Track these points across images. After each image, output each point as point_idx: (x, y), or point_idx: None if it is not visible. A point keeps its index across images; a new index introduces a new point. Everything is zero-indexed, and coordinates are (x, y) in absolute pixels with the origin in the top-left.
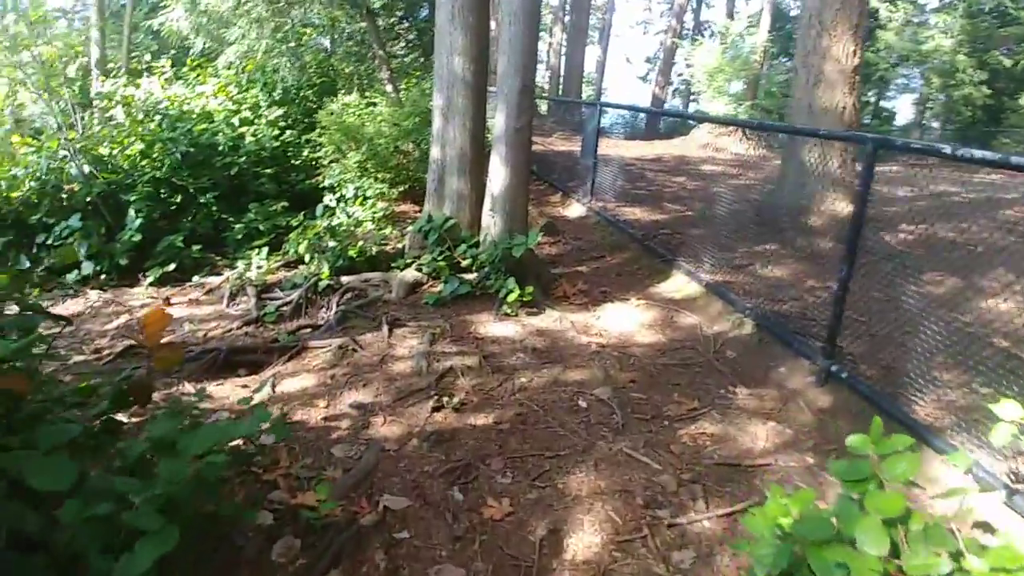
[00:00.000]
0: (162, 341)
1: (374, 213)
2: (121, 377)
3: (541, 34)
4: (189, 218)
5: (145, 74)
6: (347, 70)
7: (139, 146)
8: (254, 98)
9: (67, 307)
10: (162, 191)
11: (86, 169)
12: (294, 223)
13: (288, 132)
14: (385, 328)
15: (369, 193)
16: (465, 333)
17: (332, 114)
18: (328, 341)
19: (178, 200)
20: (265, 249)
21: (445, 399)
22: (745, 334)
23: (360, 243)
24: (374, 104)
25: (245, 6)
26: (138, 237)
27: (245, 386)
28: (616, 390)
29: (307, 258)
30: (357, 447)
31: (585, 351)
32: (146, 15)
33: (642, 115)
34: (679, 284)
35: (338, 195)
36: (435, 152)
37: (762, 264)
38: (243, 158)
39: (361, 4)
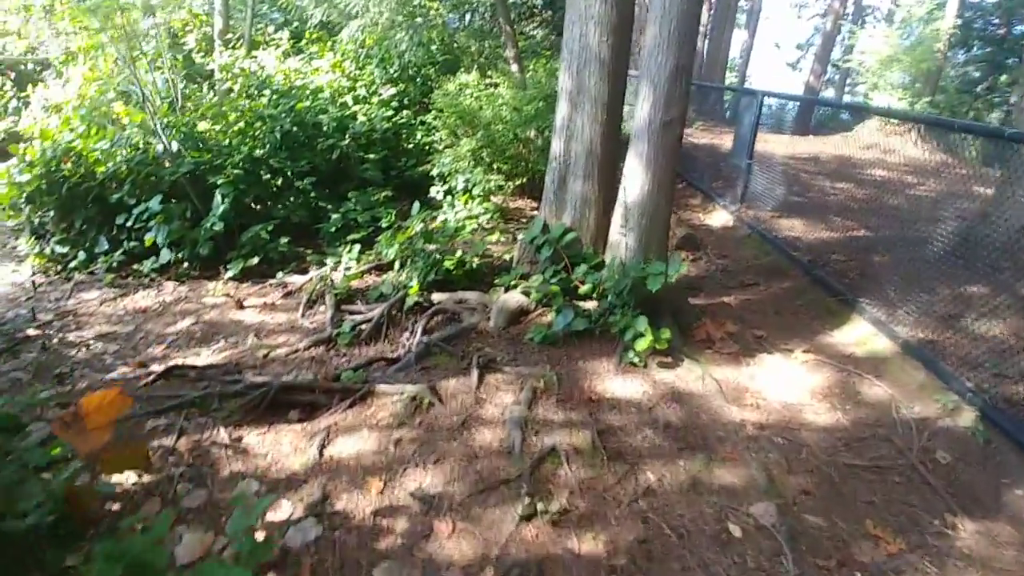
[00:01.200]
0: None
1: (485, 210)
2: (66, 476)
3: None
4: (282, 205)
5: (262, 47)
6: (472, 48)
7: (239, 123)
8: (369, 75)
9: (137, 299)
10: (260, 172)
11: (174, 146)
12: (384, 222)
13: (405, 113)
14: (475, 374)
15: (478, 188)
16: (576, 390)
17: (448, 95)
18: (401, 387)
19: (273, 184)
20: (356, 247)
21: (540, 503)
22: (963, 427)
23: (459, 253)
24: (495, 86)
25: None
26: (220, 225)
27: (292, 438)
28: (783, 508)
29: (396, 265)
30: (409, 572)
31: (737, 433)
32: None
33: (790, 106)
34: (861, 334)
35: (446, 186)
36: (557, 146)
37: (985, 318)
38: (347, 140)
39: None
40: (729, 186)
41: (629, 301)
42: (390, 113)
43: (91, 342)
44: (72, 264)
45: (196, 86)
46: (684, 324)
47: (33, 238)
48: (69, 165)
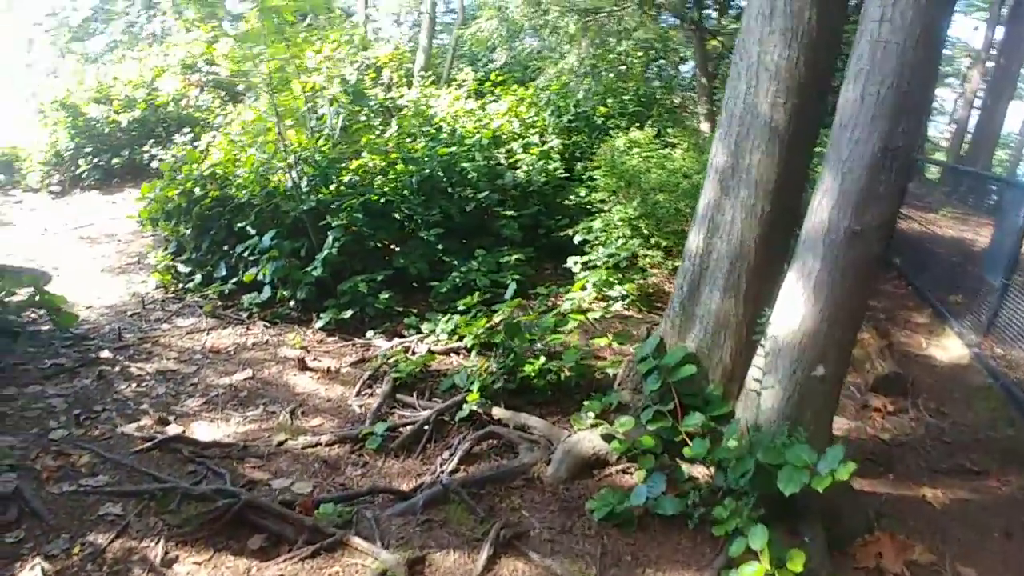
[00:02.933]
0: None
1: (624, 295)
2: None
3: (950, 80)
4: (403, 255)
5: (447, 86)
6: (664, 100)
7: (376, 162)
8: (543, 122)
9: (220, 336)
10: (392, 216)
11: (303, 182)
12: (460, 304)
13: (576, 166)
14: (484, 554)
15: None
16: None
17: (613, 151)
18: (376, 551)
19: (398, 231)
20: (454, 319)
21: None
22: None
23: (541, 360)
24: (671, 146)
25: (544, 16)
26: (320, 269)
27: None
28: None
29: (473, 356)
30: None
31: None
32: (462, 24)
33: None
34: None
35: (585, 259)
36: (694, 240)
37: None
38: (486, 192)
39: (687, 16)
40: (972, 306)
41: (750, 491)
42: (553, 165)
43: (146, 378)
44: (189, 285)
45: (364, 121)
46: (841, 535)
47: (163, 253)
48: (210, 187)
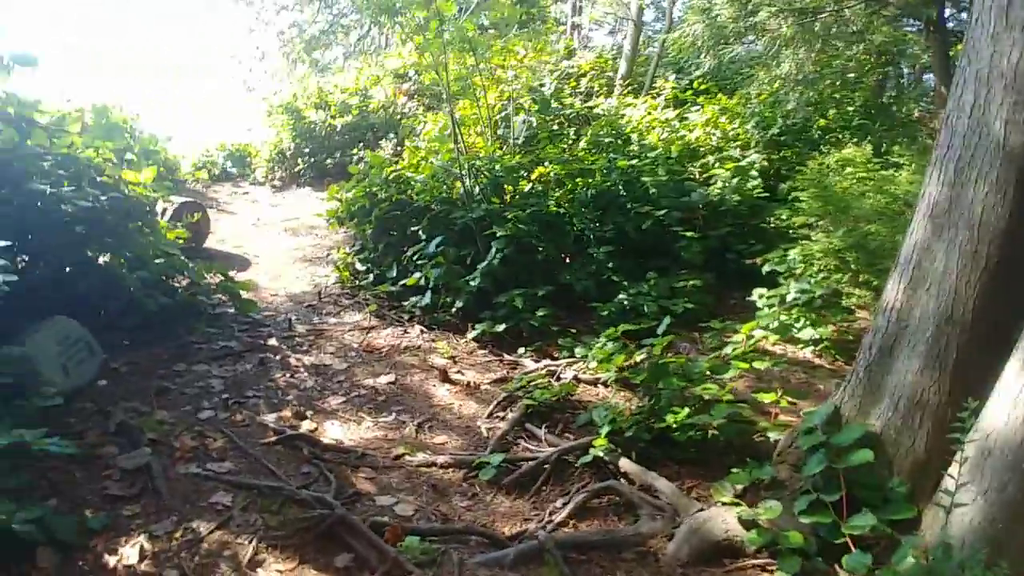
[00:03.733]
0: None
1: (816, 339)
2: None
3: None
4: (570, 271)
5: (642, 94)
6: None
7: (553, 173)
8: (744, 134)
9: (380, 336)
10: (563, 229)
11: (476, 190)
12: (616, 329)
13: (784, 184)
14: None
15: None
16: None
17: (821, 169)
18: None
19: (568, 245)
20: (609, 345)
21: None
22: None
23: (685, 411)
24: (897, 167)
25: (752, 18)
26: (478, 280)
27: None
28: None
29: (611, 392)
30: None
31: None
32: (668, 30)
33: None
34: None
35: (773, 294)
36: (892, 291)
37: None
38: (666, 210)
39: (922, 15)
40: None
41: None
42: (751, 183)
43: (300, 370)
44: (363, 283)
45: (556, 130)
46: None
47: (346, 250)
48: (391, 191)
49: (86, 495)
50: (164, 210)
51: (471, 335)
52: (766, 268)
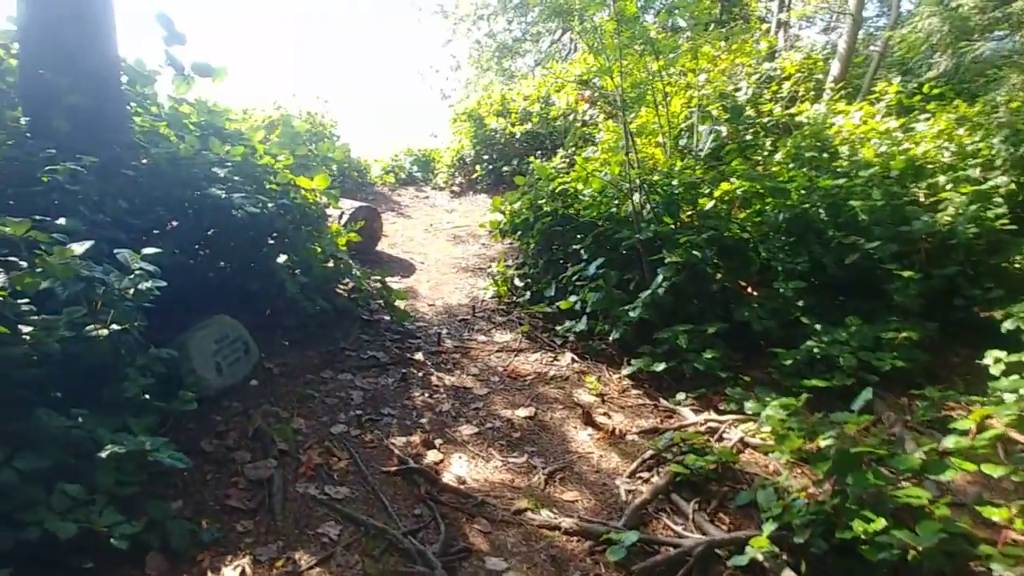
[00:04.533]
0: None
1: None
2: None
3: None
4: (749, 309)
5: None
6: None
7: (740, 190)
8: (987, 150)
9: (527, 360)
10: (748, 256)
11: (646, 209)
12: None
13: None
14: None
15: None
16: None
17: None
18: None
19: (748, 276)
20: (784, 410)
21: None
22: None
23: (880, 521)
24: None
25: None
26: (638, 309)
27: None
28: None
29: (785, 473)
30: None
31: None
32: (893, 25)
33: None
34: None
35: (1014, 358)
36: None
37: None
38: (877, 242)
39: None
40: None
41: None
42: (994, 212)
43: (440, 390)
44: (519, 300)
45: (749, 141)
46: None
47: (505, 263)
48: (557, 204)
49: (209, 500)
50: (342, 214)
51: (625, 371)
52: (1007, 324)
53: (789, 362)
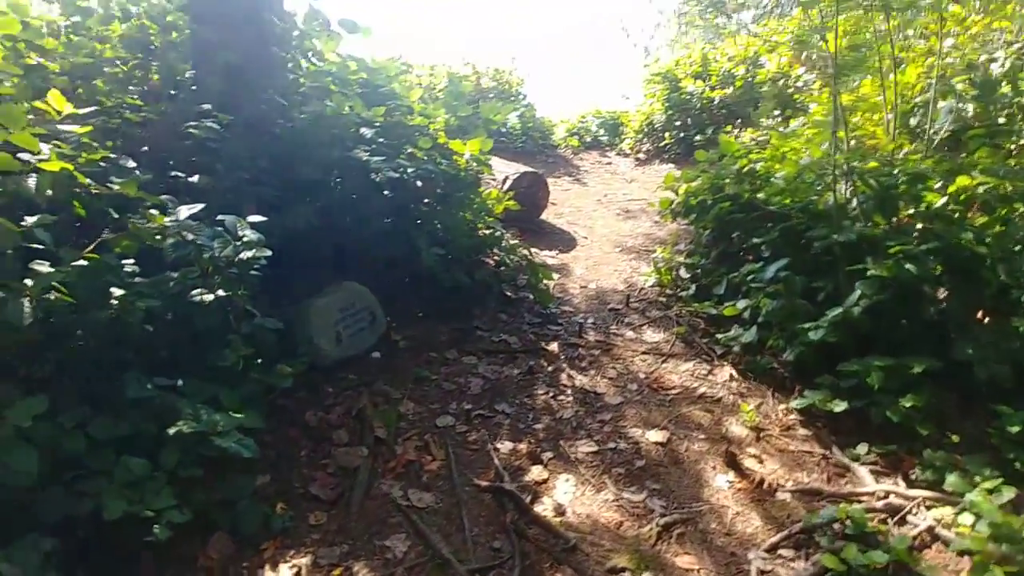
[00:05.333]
0: None
1: None
2: None
3: None
4: (971, 347)
5: None
6: None
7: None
8: None
9: (675, 369)
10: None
11: (853, 202)
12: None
13: None
14: None
15: None
16: None
17: None
18: None
19: (983, 303)
20: (990, 485)
21: None
22: None
23: None
24: None
25: None
26: (823, 329)
27: None
28: None
29: None
30: None
31: None
32: None
33: None
34: None
35: None
36: None
37: None
38: None
39: None
40: None
41: None
42: None
43: (566, 392)
44: (682, 294)
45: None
46: None
47: (671, 249)
48: (741, 188)
49: (295, 481)
50: (505, 179)
51: (795, 403)
52: None
53: (1017, 428)
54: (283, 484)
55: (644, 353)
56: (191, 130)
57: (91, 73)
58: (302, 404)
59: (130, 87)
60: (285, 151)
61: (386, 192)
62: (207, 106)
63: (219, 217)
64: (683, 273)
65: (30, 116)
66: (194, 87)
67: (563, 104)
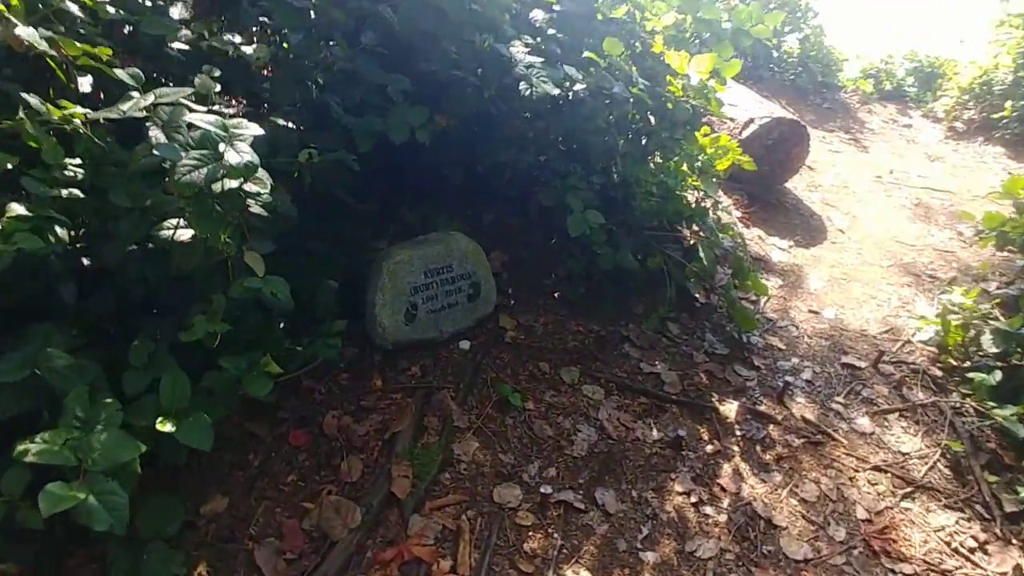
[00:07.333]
0: None
1: None
2: None
3: None
4: None
5: None
6: None
7: None
8: None
9: (919, 522)
10: None
11: None
12: None
13: None
14: None
15: None
16: None
17: None
18: None
19: None
20: None
21: None
22: None
23: None
24: None
25: None
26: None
27: None
28: None
29: None
30: None
31: None
32: None
33: None
34: None
35: None
36: None
37: None
38: None
39: None
40: None
41: None
42: None
43: (721, 508)
44: (976, 377)
45: None
46: None
47: (972, 290)
48: None
49: (252, 525)
50: (750, 120)
51: None
52: None
53: None
54: (234, 522)
55: (877, 469)
56: None
57: None
58: (332, 395)
59: None
60: (398, 30)
61: (527, 115)
62: None
63: (188, 117)
64: (987, 339)
65: None
66: None
67: (865, 35)
